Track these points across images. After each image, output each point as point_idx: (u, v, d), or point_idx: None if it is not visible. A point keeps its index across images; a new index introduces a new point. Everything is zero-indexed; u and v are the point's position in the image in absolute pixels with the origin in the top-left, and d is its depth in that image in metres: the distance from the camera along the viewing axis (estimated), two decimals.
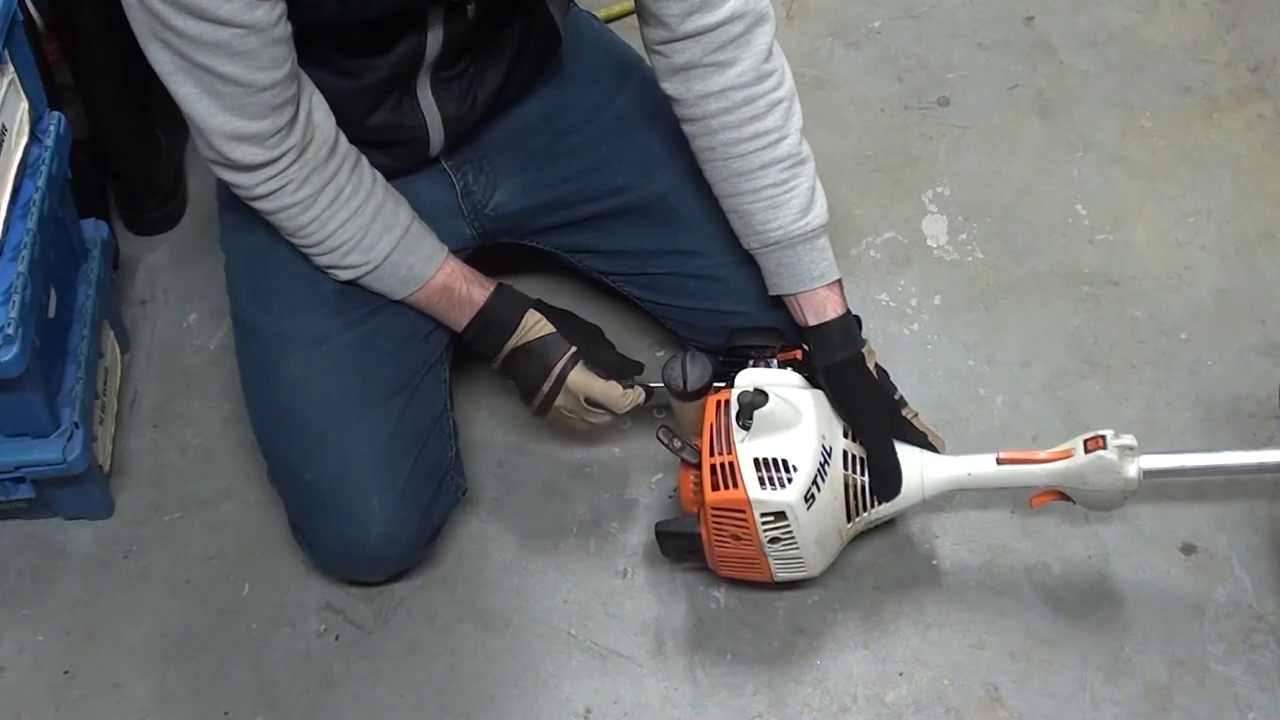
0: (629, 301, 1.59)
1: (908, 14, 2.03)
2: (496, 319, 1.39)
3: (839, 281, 1.36)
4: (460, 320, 1.40)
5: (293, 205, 1.29)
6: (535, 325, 1.39)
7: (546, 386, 1.40)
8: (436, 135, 1.41)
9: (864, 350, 1.36)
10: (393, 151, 1.40)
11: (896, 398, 1.41)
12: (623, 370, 1.44)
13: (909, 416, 1.41)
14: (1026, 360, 1.63)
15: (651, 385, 1.43)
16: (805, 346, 1.38)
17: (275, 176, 1.26)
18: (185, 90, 1.18)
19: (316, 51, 1.25)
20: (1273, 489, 1.49)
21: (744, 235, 1.38)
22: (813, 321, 1.35)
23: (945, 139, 1.87)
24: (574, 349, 1.40)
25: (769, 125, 1.31)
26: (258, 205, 1.30)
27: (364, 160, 1.33)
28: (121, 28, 1.19)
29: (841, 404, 1.35)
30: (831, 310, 1.35)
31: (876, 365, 1.39)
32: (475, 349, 1.43)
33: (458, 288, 1.39)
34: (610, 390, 1.40)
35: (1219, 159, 1.83)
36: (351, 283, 1.38)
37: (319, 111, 1.27)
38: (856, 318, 1.37)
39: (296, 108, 1.24)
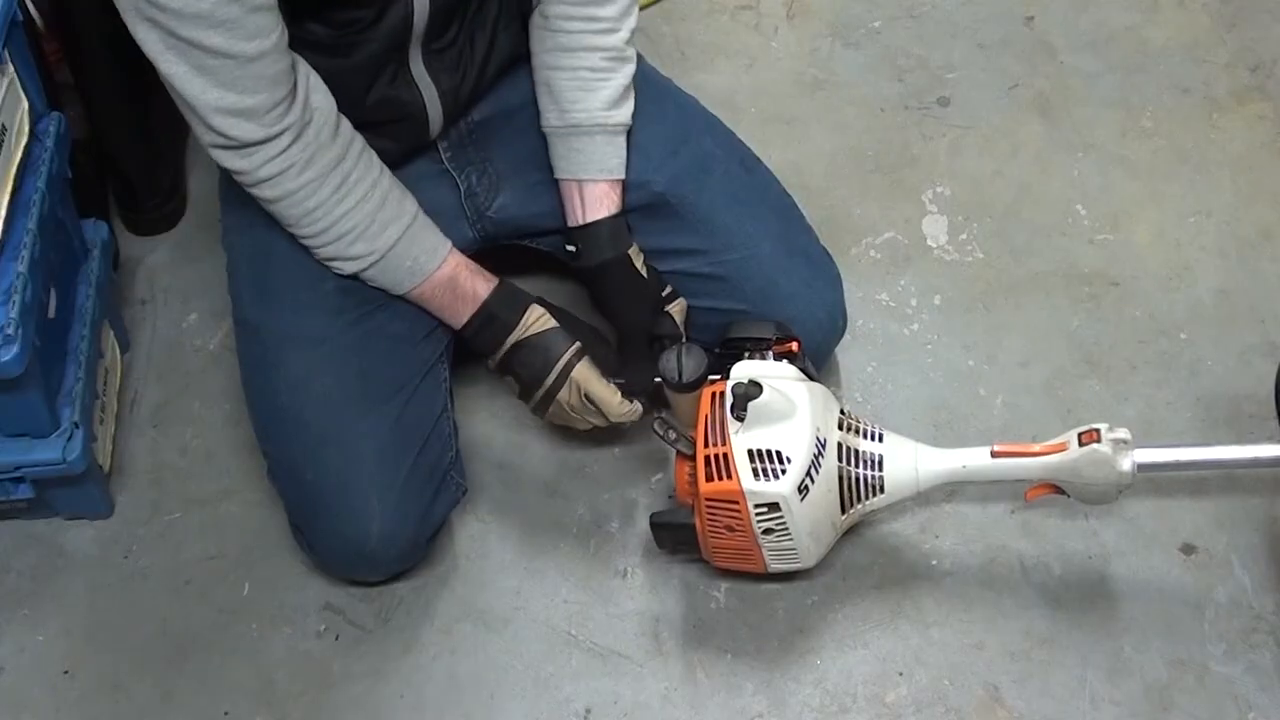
0: None
1: (908, 14, 2.03)
2: (499, 314, 1.39)
3: (622, 184, 1.41)
4: (462, 315, 1.40)
5: (298, 190, 1.28)
6: (538, 319, 1.39)
7: (550, 379, 1.39)
8: (435, 110, 1.41)
9: (630, 251, 1.41)
10: (394, 132, 1.40)
11: (665, 293, 1.45)
12: (623, 369, 1.43)
13: (675, 311, 1.45)
14: (1026, 360, 1.63)
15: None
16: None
17: (277, 157, 1.25)
18: (175, 69, 1.18)
19: (308, 33, 1.26)
20: (1273, 489, 1.49)
21: (546, 111, 1.42)
22: (587, 218, 1.40)
23: (945, 139, 1.87)
24: (578, 343, 1.40)
25: (605, 14, 1.38)
26: (260, 192, 1.29)
27: (370, 149, 1.33)
28: (121, 27, 1.19)
29: (605, 302, 1.42)
30: (607, 208, 1.40)
31: (646, 263, 1.43)
32: (473, 345, 1.43)
33: (462, 281, 1.39)
34: (609, 395, 1.40)
35: (1219, 159, 1.83)
36: (356, 277, 1.37)
37: (317, 93, 1.27)
38: (627, 222, 1.41)
39: (294, 86, 1.24)
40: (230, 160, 1.26)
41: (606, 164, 1.41)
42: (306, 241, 1.34)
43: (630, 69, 1.41)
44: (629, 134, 1.46)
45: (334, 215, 1.31)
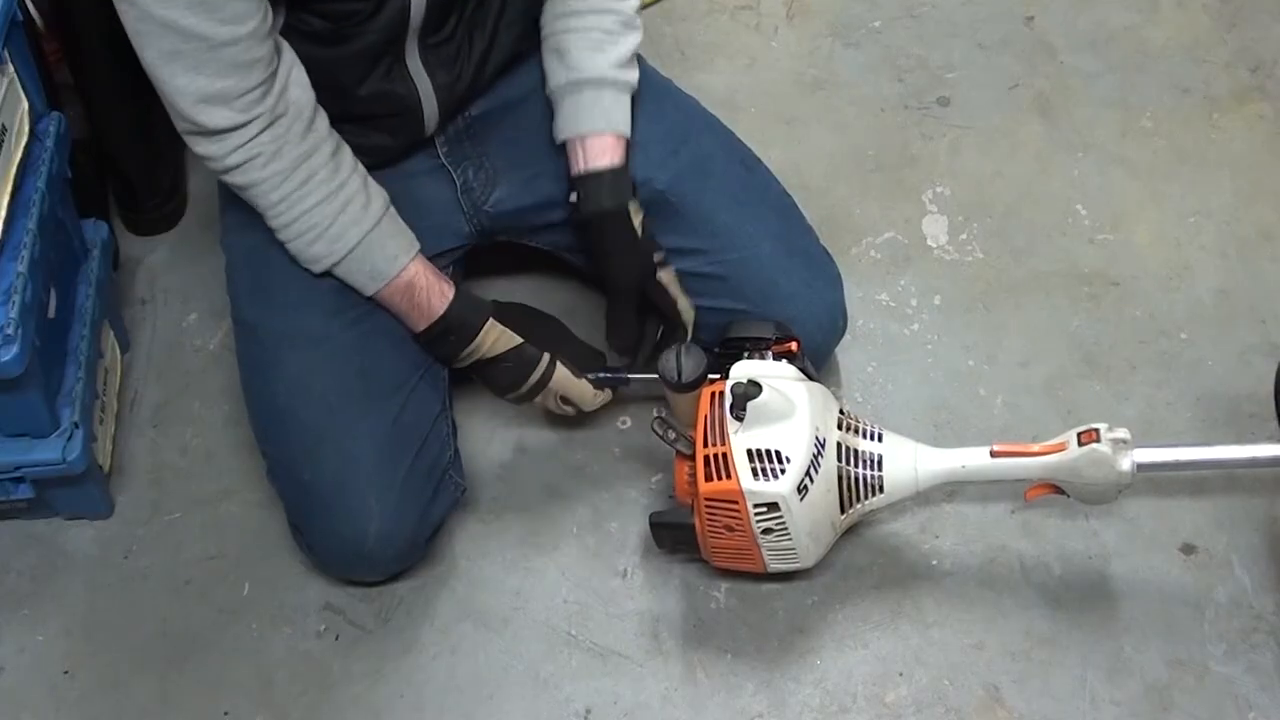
0: None
1: (908, 14, 2.03)
2: (454, 328, 1.39)
3: (628, 142, 1.42)
4: (417, 324, 1.40)
5: (263, 181, 1.29)
6: (499, 339, 1.40)
7: (524, 389, 1.42)
8: (430, 106, 1.41)
9: (630, 209, 1.41)
10: (389, 126, 1.40)
11: (658, 259, 1.45)
12: (589, 362, 1.46)
13: (667, 281, 1.45)
14: (1026, 360, 1.63)
15: (629, 375, 1.46)
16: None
17: (245, 145, 1.26)
18: (149, 53, 1.19)
19: (303, 23, 1.27)
20: (1273, 489, 1.49)
21: (554, 73, 1.42)
22: (588, 166, 1.40)
23: (945, 139, 1.87)
24: (547, 355, 1.41)
25: None
26: (230, 179, 1.30)
27: (345, 150, 1.34)
28: (121, 27, 1.19)
29: (599, 258, 1.43)
30: (610, 159, 1.40)
31: (643, 225, 1.43)
32: (429, 353, 1.43)
33: (419, 292, 1.38)
34: (584, 390, 1.44)
35: (1219, 159, 1.83)
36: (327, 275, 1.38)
37: (296, 87, 1.28)
38: (631, 179, 1.42)
39: (270, 75, 1.24)
40: (201, 145, 1.27)
41: (612, 118, 1.41)
42: (278, 235, 1.35)
43: (637, 38, 1.43)
44: (631, 132, 1.47)
45: (295, 212, 1.31)
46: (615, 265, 1.44)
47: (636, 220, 1.43)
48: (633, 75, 1.42)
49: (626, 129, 1.42)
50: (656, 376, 1.39)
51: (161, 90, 1.23)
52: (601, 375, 1.46)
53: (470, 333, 1.39)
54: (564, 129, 1.43)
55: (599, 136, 1.41)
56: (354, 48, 1.31)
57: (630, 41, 1.42)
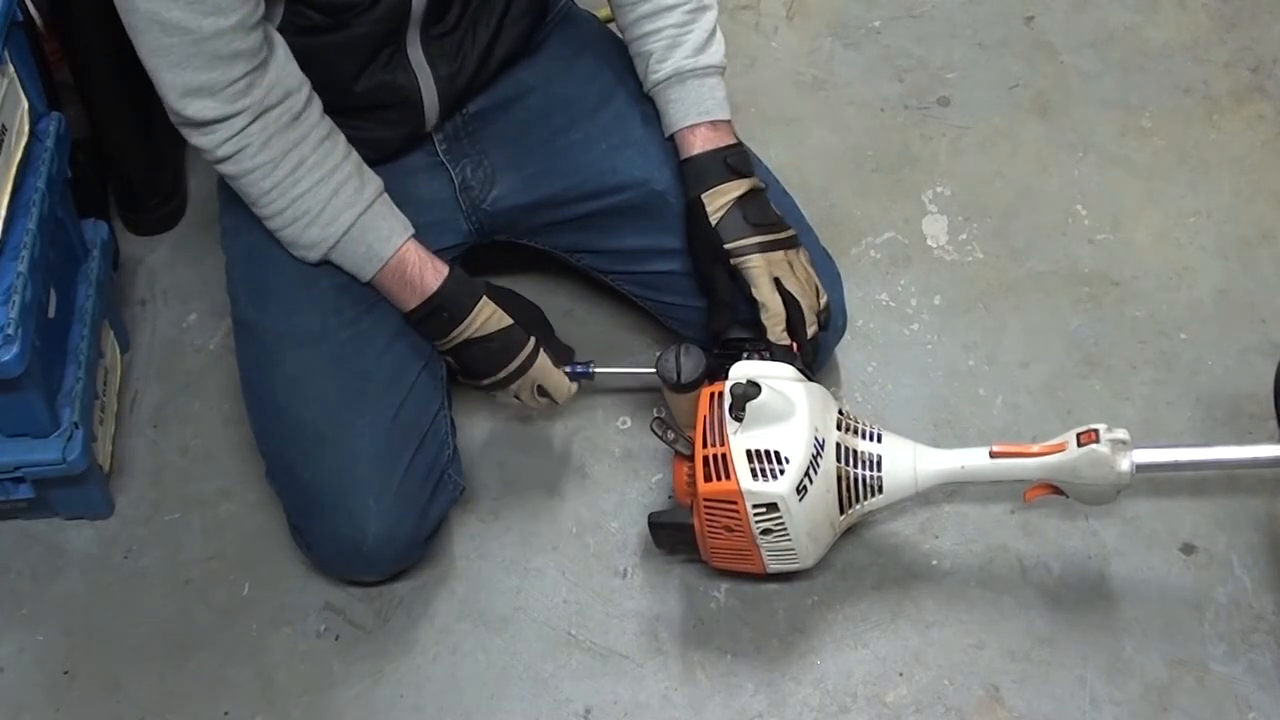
0: (628, 300, 1.59)
1: (908, 14, 2.03)
2: (446, 306, 1.39)
3: (728, 123, 1.44)
4: (408, 303, 1.39)
5: (254, 169, 1.29)
6: (491, 317, 1.39)
7: (504, 374, 1.41)
8: (430, 97, 1.41)
9: (705, 195, 1.40)
10: (389, 118, 1.41)
11: (731, 247, 1.39)
12: (561, 354, 1.46)
13: (801, 260, 1.42)
14: (1026, 360, 1.63)
15: (596, 370, 1.46)
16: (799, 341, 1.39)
17: (234, 137, 1.26)
18: (141, 48, 1.21)
19: (302, 17, 1.27)
20: (1273, 488, 1.49)
21: (644, 77, 1.45)
22: (683, 155, 1.43)
23: (945, 139, 1.87)
24: (533, 339, 1.42)
25: None
26: (222, 169, 1.30)
27: (338, 136, 1.34)
28: (121, 27, 1.19)
29: (686, 237, 1.44)
30: (701, 144, 1.42)
31: (730, 210, 1.40)
32: (419, 332, 1.43)
33: (410, 269, 1.37)
34: (560, 381, 1.44)
35: (1219, 159, 1.83)
36: (324, 263, 1.38)
37: (292, 79, 1.28)
38: (726, 161, 1.41)
39: (257, 68, 1.24)
40: (193, 137, 1.28)
41: (701, 106, 1.43)
42: (268, 224, 1.35)
43: (712, 15, 1.44)
44: (631, 133, 1.47)
45: (289, 197, 1.31)
46: (690, 251, 1.45)
47: (712, 207, 1.40)
48: (711, 56, 1.43)
49: (718, 111, 1.44)
50: (624, 370, 1.39)
51: (155, 84, 1.24)
52: (575, 368, 1.46)
53: (464, 309, 1.38)
54: (665, 130, 1.46)
55: (694, 129, 1.43)
56: (353, 38, 1.32)
57: (705, 23, 1.43)
